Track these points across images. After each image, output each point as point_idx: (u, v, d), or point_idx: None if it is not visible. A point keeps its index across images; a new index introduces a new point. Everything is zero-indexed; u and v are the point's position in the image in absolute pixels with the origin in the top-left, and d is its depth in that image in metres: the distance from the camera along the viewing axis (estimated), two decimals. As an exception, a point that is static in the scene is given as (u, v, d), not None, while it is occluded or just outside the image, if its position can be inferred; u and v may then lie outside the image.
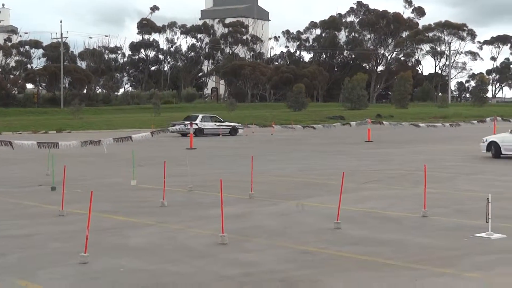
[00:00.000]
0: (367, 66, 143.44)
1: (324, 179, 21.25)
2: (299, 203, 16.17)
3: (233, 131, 51.76)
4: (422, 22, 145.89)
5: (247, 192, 17.47)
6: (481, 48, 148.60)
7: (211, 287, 9.08)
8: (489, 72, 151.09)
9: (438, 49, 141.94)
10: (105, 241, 11.94)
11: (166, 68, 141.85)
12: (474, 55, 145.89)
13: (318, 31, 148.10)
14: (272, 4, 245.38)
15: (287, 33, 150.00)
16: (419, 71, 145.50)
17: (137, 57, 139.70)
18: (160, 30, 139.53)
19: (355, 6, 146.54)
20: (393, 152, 32.92)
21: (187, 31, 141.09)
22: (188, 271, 9.86)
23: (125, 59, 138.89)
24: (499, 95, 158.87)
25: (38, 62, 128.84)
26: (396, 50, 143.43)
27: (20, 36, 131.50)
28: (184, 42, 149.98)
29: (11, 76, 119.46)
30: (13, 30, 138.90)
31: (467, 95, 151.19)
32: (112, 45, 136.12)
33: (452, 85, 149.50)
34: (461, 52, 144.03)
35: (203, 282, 9.27)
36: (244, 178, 20.40)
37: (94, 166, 26.99)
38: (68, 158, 27.89)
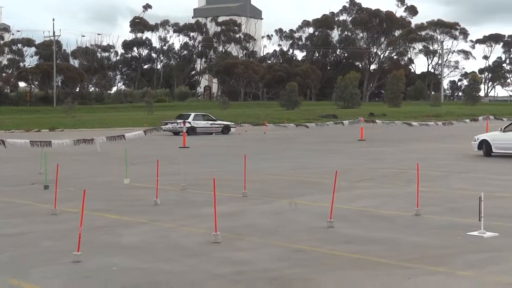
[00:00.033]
0: (360, 65, 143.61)
1: (317, 178, 21.27)
2: (292, 202, 16.18)
3: (226, 130, 51.79)
4: (415, 20, 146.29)
5: (240, 191, 17.47)
6: (473, 47, 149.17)
7: (204, 285, 9.08)
8: (481, 71, 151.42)
9: (431, 47, 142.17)
10: (98, 240, 11.92)
11: (159, 67, 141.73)
12: (466, 54, 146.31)
13: (311, 30, 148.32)
14: (265, 2, 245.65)
15: (280, 31, 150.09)
16: (412, 70, 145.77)
17: (130, 55, 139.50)
18: (153, 28, 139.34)
19: (347, 5, 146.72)
20: (386, 150, 32.97)
21: (180, 29, 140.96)
22: (181, 269, 9.86)
23: (118, 57, 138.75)
24: (491, 93, 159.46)
25: (30, 60, 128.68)
26: (389, 48, 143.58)
27: (13, 34, 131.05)
28: (177, 41, 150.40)
29: (4, 75, 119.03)
30: (6, 28, 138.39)
31: (460, 93, 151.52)
32: (104, 44, 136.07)
33: (445, 83, 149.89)
34: (454, 51, 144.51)
35: (196, 280, 9.27)
36: (237, 176, 20.40)
37: (87, 165, 26.95)
38: (61, 157, 27.85)
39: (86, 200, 10.96)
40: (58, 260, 10.46)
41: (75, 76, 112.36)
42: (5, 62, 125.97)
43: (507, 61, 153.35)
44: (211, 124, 51.78)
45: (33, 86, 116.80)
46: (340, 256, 10.64)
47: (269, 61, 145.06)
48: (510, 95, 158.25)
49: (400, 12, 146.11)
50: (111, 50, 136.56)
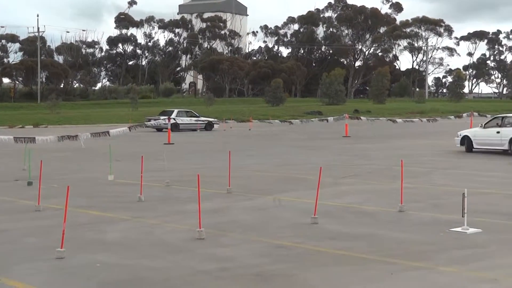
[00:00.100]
0: (345, 62, 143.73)
1: (301, 174, 21.29)
2: (275, 198, 16.19)
3: (209, 126, 51.72)
4: (400, 17, 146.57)
5: (224, 187, 17.47)
6: (458, 44, 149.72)
7: (187, 282, 9.08)
8: (466, 67, 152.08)
9: (416, 44, 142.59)
10: (82, 236, 11.90)
11: (144, 63, 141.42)
12: (451, 50, 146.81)
13: (296, 26, 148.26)
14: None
15: (265, 28, 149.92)
16: (397, 67, 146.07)
17: (114, 51, 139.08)
18: (138, 24, 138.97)
19: (333, 2, 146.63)
20: (371, 147, 33.05)
21: (165, 25, 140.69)
22: (165, 266, 9.85)
23: (103, 53, 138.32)
24: (475, 90, 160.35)
25: (14, 56, 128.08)
26: (374, 45, 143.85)
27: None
28: (162, 37, 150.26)
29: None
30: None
31: (444, 90, 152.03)
32: (89, 40, 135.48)
33: (429, 80, 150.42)
34: (438, 47, 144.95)
35: (180, 277, 9.27)
36: (222, 173, 20.39)
37: (71, 161, 26.86)
38: (45, 153, 27.73)
39: (70, 197, 10.92)
40: (41, 256, 10.43)
41: (60, 72, 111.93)
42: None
43: (491, 58, 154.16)
44: (195, 120, 51.73)
45: (17, 82, 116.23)
46: (325, 252, 10.66)
47: (254, 58, 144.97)
48: (494, 92, 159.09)
49: (385, 9, 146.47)
50: (96, 46, 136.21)
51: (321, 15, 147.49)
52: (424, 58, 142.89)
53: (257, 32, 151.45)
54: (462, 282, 9.00)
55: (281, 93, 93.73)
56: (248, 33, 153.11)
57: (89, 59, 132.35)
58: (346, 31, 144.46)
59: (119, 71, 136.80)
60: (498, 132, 28.16)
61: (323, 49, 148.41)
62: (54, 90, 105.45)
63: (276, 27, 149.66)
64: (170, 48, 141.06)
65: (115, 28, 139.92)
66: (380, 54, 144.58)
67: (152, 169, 21.55)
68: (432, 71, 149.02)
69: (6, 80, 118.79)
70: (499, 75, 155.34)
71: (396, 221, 13.29)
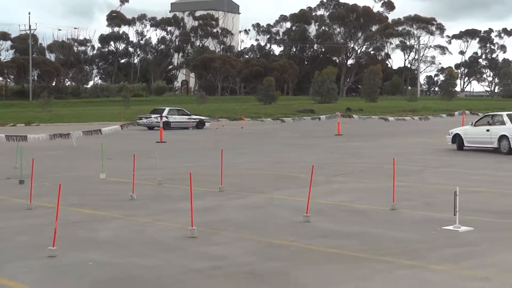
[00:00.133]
0: (337, 60, 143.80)
1: (294, 172, 21.30)
2: (268, 196, 16.18)
3: (200, 125, 51.67)
4: (392, 16, 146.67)
5: (216, 186, 17.46)
6: (450, 42, 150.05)
7: (179, 280, 9.07)
8: (457, 66, 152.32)
9: (408, 43, 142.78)
10: (74, 235, 11.87)
11: (136, 61, 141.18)
12: (443, 49, 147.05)
13: (288, 25, 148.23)
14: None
15: (257, 26, 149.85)
16: (389, 65, 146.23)
17: (106, 49, 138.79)
18: (130, 22, 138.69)
19: (325, 0, 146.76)
20: (363, 145, 33.08)
21: (157, 23, 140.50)
22: (157, 264, 9.84)
23: (95, 51, 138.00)
24: (467, 89, 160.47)
25: (6, 54, 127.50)
26: (366, 44, 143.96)
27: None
28: (154, 35, 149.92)
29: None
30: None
31: (436, 89, 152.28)
32: (81, 38, 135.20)
33: (421, 79, 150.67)
34: (430, 46, 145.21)
35: (172, 275, 9.26)
36: (214, 171, 20.38)
37: (63, 159, 26.80)
38: (37, 151, 27.67)
39: (61, 195, 10.90)
40: (33, 255, 10.41)
41: (51, 70, 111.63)
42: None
43: (483, 57, 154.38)
44: (186, 119, 51.69)
45: (8, 80, 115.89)
46: (317, 250, 10.66)
47: (247, 56, 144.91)
48: (486, 90, 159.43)
49: (377, 7, 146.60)
50: (88, 44, 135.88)
51: (313, 13, 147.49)
52: (416, 57, 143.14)
53: (249, 30, 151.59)
54: (454, 280, 9.02)
55: (273, 91, 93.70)
56: (240, 31, 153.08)
57: (81, 57, 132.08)
58: (338, 29, 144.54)
59: (111, 69, 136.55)
60: (488, 130, 28.29)
61: (315, 48, 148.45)
62: (46, 88, 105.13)
63: (268, 25, 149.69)
64: (162, 46, 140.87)
65: (107, 26, 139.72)
66: (372, 52, 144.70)
67: (144, 167, 21.53)
68: (424, 69, 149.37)
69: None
70: (491, 74, 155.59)
71: (388, 219, 13.30)
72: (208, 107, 78.39)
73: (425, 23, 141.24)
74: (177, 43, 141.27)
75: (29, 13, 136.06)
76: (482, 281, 8.93)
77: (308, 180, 13.69)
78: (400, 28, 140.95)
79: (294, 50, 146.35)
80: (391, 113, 72.10)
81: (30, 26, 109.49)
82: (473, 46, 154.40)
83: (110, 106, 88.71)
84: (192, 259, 10.11)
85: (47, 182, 18.79)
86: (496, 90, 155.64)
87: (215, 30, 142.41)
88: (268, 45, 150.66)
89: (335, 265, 9.73)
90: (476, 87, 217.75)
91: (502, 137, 27.57)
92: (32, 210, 14.47)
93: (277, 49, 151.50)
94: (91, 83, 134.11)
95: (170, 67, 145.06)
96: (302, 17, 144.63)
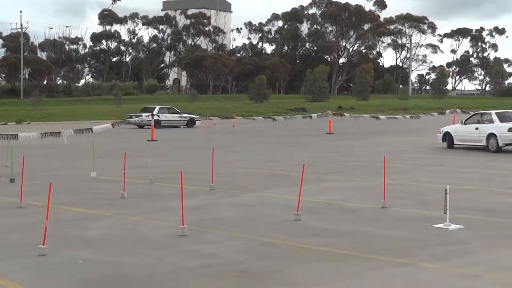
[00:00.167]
0: (329, 58, 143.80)
1: (285, 171, 21.31)
2: (260, 195, 16.19)
3: (191, 123, 51.63)
4: (384, 14, 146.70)
5: (208, 184, 17.46)
6: (441, 41, 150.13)
7: (171, 278, 9.07)
8: (449, 64, 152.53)
9: (399, 41, 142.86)
10: (64, 233, 11.86)
11: (127, 59, 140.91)
12: (434, 48, 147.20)
13: (280, 23, 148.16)
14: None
15: (249, 24, 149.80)
16: (380, 64, 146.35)
17: (98, 48, 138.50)
18: (122, 21, 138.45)
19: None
20: (354, 144, 33.12)
21: (149, 22, 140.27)
22: (148, 262, 9.84)
23: (86, 50, 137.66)
24: (458, 87, 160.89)
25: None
26: (358, 42, 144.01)
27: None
28: (146, 33, 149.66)
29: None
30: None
31: (428, 87, 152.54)
32: (73, 36, 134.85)
33: (413, 77, 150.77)
34: (422, 44, 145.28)
35: (163, 273, 9.26)
36: (205, 170, 20.39)
37: (54, 158, 26.76)
38: (28, 150, 27.61)
39: (52, 194, 10.89)
40: (24, 253, 10.39)
41: (43, 69, 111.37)
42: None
43: (474, 55, 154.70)
44: (177, 117, 51.66)
45: (0, 79, 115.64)
46: (308, 248, 10.68)
47: (238, 54, 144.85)
48: (477, 89, 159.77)
49: (369, 6, 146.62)
50: (79, 42, 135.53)
51: (305, 12, 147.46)
52: (408, 55, 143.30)
53: (241, 28, 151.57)
54: (445, 278, 9.04)
55: (265, 89, 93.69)
56: (232, 30, 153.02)
57: (72, 56, 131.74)
58: (330, 28, 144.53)
59: (103, 68, 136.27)
60: (477, 129, 28.40)
61: (307, 46, 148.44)
62: (37, 86, 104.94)
63: (260, 23, 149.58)
64: (154, 45, 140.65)
65: (98, 24, 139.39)
66: (364, 51, 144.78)
67: (135, 166, 21.51)
68: (416, 68, 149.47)
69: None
70: (482, 72, 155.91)
71: (379, 217, 13.33)
72: (200, 106, 78.34)
73: (417, 22, 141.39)
74: (169, 41, 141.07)
75: (21, 12, 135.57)
76: (472, 279, 8.96)
77: (299, 179, 13.69)
78: (392, 27, 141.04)
79: (286, 48, 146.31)
80: (383, 111, 72.22)
81: (21, 24, 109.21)
82: (465, 45, 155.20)
83: (101, 104, 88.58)
84: (183, 257, 10.11)
85: (38, 181, 18.76)
86: (487, 89, 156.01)
87: (207, 29, 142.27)
88: (260, 44, 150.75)
89: (326, 263, 9.75)
90: (467, 85, 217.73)
91: (490, 135, 27.65)
92: (23, 208, 14.44)
93: (269, 48, 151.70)
94: (82, 81, 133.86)
95: (162, 65, 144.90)
96: (294, 16, 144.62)
